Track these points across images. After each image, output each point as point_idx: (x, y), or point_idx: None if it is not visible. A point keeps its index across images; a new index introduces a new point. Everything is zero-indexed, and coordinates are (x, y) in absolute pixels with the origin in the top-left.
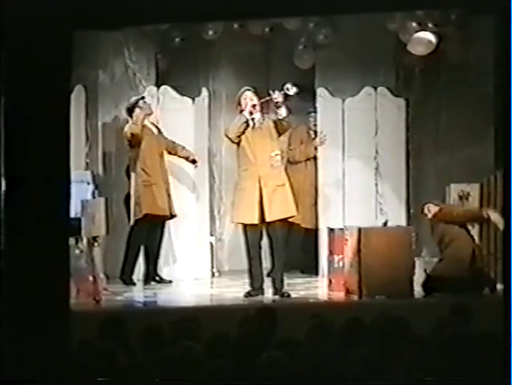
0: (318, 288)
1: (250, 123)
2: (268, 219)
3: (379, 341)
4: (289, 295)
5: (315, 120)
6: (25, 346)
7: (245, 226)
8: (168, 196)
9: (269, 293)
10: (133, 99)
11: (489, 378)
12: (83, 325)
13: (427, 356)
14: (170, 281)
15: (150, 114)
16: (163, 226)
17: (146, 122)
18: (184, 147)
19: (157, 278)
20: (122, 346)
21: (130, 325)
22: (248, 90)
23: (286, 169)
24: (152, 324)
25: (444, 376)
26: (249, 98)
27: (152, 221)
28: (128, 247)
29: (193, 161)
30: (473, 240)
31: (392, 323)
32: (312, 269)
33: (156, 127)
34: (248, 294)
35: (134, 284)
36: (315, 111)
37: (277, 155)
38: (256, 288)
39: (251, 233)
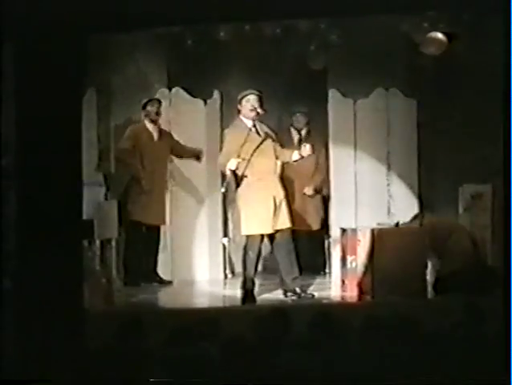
0: (330, 289)
1: (253, 129)
2: (279, 227)
3: (392, 340)
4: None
5: (299, 121)
6: (38, 347)
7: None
8: (163, 204)
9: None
10: (143, 101)
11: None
12: (97, 327)
13: (437, 355)
14: (170, 282)
15: (154, 120)
16: (159, 231)
17: (148, 127)
18: (189, 148)
19: (158, 279)
20: (137, 348)
21: (146, 326)
22: (252, 93)
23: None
24: (167, 325)
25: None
26: (251, 102)
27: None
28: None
29: (198, 157)
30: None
31: (404, 323)
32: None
33: (160, 131)
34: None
35: (138, 285)
36: (301, 111)
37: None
38: (250, 292)
39: (258, 241)
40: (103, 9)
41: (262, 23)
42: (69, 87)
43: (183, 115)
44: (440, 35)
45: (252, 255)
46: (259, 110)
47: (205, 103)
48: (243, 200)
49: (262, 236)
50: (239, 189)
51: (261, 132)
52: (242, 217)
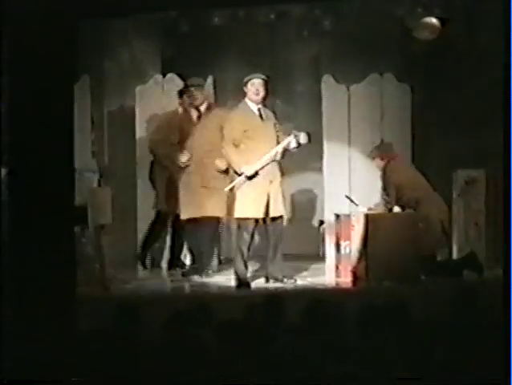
0: (324, 274)
1: (256, 112)
2: (272, 214)
3: (387, 326)
4: (295, 280)
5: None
6: (31, 334)
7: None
8: None
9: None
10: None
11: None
12: (90, 313)
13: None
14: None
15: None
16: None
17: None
18: None
19: (180, 263)
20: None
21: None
22: (258, 77)
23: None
24: (159, 312)
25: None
26: (256, 86)
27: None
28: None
29: None
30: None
31: (399, 308)
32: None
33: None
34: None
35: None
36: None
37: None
38: (244, 278)
39: (250, 226)
40: None
41: (256, 9)
42: (61, 73)
43: (177, 101)
44: (433, 20)
45: (246, 237)
46: (263, 94)
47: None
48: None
49: (256, 220)
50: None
51: (264, 116)
52: (237, 200)
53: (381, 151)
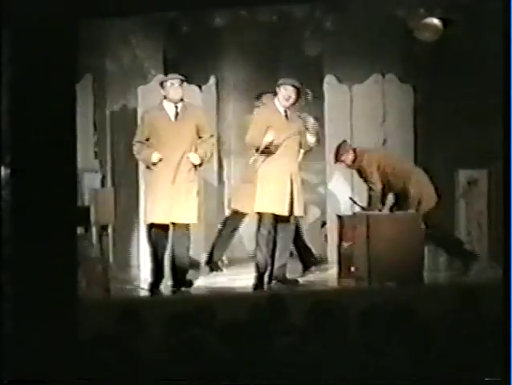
0: (327, 275)
1: (283, 113)
2: (296, 213)
3: (388, 327)
4: (297, 281)
5: None
6: (33, 336)
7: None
8: None
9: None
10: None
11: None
12: (93, 314)
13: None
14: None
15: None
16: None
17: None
18: None
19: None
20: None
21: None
22: (292, 84)
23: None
24: (161, 313)
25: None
26: (288, 92)
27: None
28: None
29: None
30: None
31: (402, 309)
32: None
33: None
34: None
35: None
36: None
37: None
38: (262, 278)
39: (273, 222)
40: None
41: (258, 9)
42: (63, 73)
43: None
44: (435, 21)
45: (264, 233)
46: (293, 100)
47: (201, 89)
48: (261, 177)
49: (276, 216)
50: (262, 165)
51: (290, 117)
52: (258, 193)
53: (340, 154)
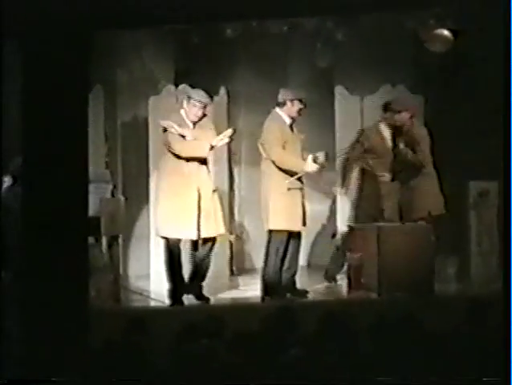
0: (337, 285)
1: (288, 123)
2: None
3: (397, 338)
4: (306, 292)
5: None
6: (43, 345)
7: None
8: None
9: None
10: None
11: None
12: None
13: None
14: None
15: None
16: None
17: None
18: None
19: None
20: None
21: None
22: (301, 100)
23: None
24: (172, 323)
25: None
26: (297, 106)
27: None
28: None
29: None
30: None
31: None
32: None
33: None
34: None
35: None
36: None
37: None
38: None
39: (284, 237)
40: (110, 5)
41: (269, 21)
42: (75, 83)
43: None
44: (445, 32)
45: (275, 245)
46: (297, 115)
47: (212, 99)
48: (273, 193)
49: (289, 233)
50: (271, 183)
51: (294, 130)
52: (271, 210)
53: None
